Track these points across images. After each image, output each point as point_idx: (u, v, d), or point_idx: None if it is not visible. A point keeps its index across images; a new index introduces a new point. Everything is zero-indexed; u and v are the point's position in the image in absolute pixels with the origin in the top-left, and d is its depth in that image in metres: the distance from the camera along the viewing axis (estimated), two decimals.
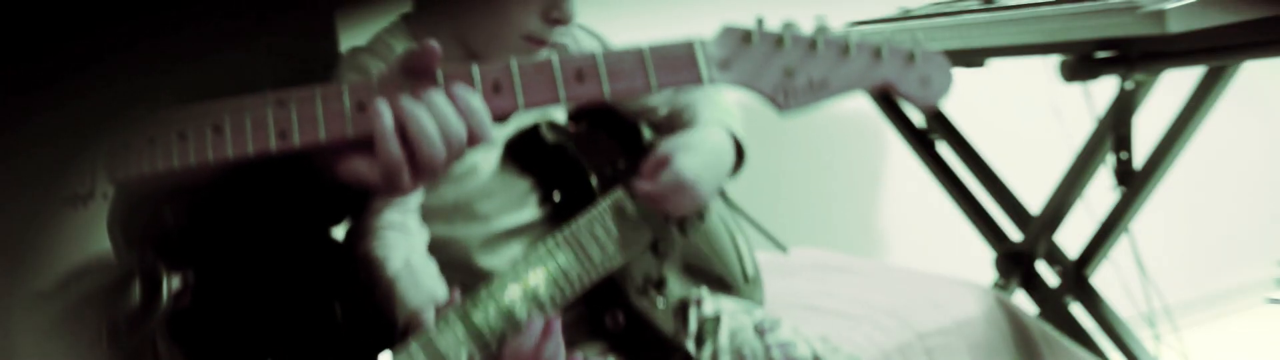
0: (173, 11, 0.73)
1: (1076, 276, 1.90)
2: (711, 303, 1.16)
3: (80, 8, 0.68)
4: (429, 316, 0.91)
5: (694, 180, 1.04)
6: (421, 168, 0.69)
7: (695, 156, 1.06)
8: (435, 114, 0.68)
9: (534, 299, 0.90)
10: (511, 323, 0.87)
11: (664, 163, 1.05)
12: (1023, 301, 1.87)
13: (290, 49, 0.92)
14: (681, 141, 1.08)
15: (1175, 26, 1.20)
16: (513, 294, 0.88)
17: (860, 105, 1.97)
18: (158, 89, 0.72)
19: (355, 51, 1.09)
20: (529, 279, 0.91)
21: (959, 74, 1.64)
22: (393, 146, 0.68)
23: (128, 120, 0.71)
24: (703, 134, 1.11)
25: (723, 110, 1.19)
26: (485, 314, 0.85)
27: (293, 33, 0.94)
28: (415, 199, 1.05)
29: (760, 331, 1.13)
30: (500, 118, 0.71)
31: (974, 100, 1.97)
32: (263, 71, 0.80)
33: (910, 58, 0.73)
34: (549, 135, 1.10)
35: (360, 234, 1.01)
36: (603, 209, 1.03)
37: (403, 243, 1.01)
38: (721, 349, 1.12)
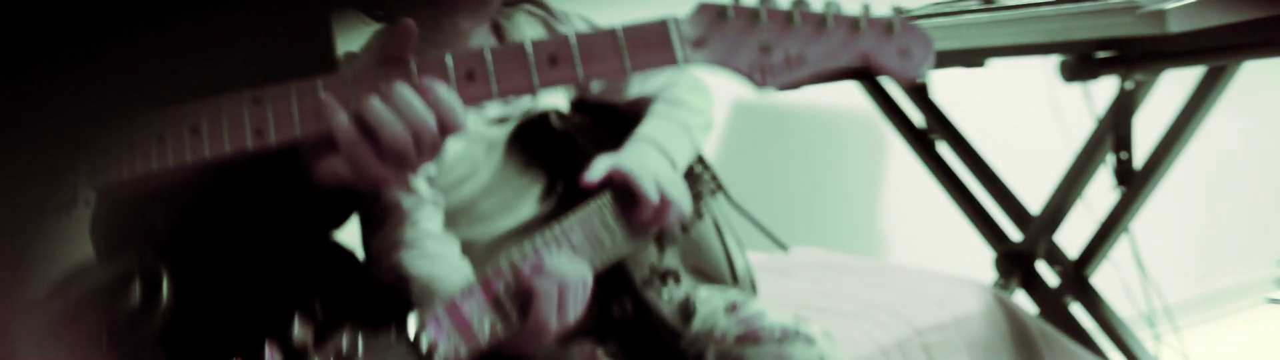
0: (162, 16, 0.72)
1: (1076, 276, 1.90)
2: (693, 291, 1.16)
3: (67, 13, 0.68)
4: None
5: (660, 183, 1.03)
6: (389, 155, 0.68)
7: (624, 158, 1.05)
8: (400, 104, 0.68)
9: None
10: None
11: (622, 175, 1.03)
12: (1023, 301, 1.87)
13: (284, 53, 0.92)
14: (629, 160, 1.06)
15: (1175, 26, 1.20)
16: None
17: (860, 105, 1.97)
18: (147, 94, 0.72)
19: (350, 56, 1.10)
20: (547, 255, 0.91)
21: (959, 74, 1.64)
22: (346, 130, 0.68)
23: (112, 125, 0.71)
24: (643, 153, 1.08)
25: (678, 125, 1.15)
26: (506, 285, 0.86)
27: (287, 36, 0.94)
28: (440, 206, 1.05)
29: (731, 309, 1.12)
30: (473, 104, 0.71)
31: (974, 100, 1.98)
32: (256, 76, 0.80)
33: (888, 29, 0.71)
34: (558, 124, 1.10)
35: (395, 245, 1.00)
36: (611, 196, 1.03)
37: (441, 251, 1.01)
38: (696, 335, 1.12)
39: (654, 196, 1.02)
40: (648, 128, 1.12)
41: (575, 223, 0.96)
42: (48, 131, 0.67)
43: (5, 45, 0.67)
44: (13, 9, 0.67)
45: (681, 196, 1.06)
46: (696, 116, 1.17)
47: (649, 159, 1.07)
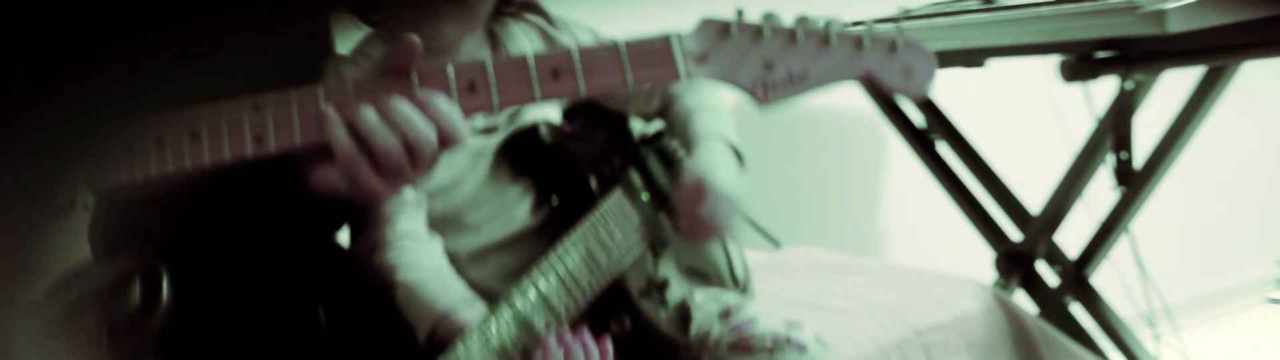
0: (163, 16, 0.72)
1: (1076, 276, 1.90)
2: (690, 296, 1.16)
3: (67, 13, 0.68)
4: (464, 316, 0.91)
5: (731, 196, 1.06)
6: (385, 169, 0.68)
7: (723, 175, 1.07)
8: (397, 117, 0.68)
9: (549, 309, 0.90)
10: (530, 334, 0.87)
11: (702, 184, 1.06)
12: (1023, 301, 1.87)
13: (284, 54, 0.92)
14: (704, 164, 1.09)
15: (1175, 26, 1.20)
16: (528, 305, 0.88)
17: (860, 105, 1.97)
18: (147, 96, 0.72)
19: (338, 60, 1.09)
20: (542, 289, 0.90)
21: (959, 74, 1.64)
22: (345, 145, 0.68)
23: (112, 128, 0.71)
24: (714, 153, 1.11)
25: (716, 112, 1.18)
26: (504, 327, 0.85)
27: (286, 37, 0.94)
28: (422, 207, 1.05)
29: (724, 315, 1.12)
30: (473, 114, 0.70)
31: (974, 100, 1.98)
32: (256, 77, 0.80)
33: (892, 47, 0.71)
34: (547, 136, 1.09)
35: (375, 245, 1.01)
36: (604, 212, 1.03)
37: (422, 250, 1.01)
38: (691, 342, 1.11)
39: (705, 217, 1.05)
40: (709, 122, 1.17)
41: (568, 248, 0.95)
42: (47, 134, 0.67)
43: (5, 45, 0.67)
44: (13, 9, 0.67)
45: (734, 200, 1.08)
46: (717, 94, 1.22)
47: (719, 162, 1.10)
